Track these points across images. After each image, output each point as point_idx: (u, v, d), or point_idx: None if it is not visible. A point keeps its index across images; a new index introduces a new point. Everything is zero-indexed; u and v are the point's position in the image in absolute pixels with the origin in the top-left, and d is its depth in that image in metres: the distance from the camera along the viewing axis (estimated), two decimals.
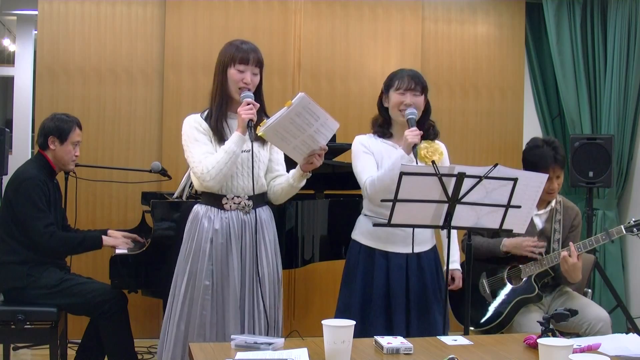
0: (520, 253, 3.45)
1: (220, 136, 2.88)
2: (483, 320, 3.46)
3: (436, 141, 3.14)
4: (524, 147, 3.68)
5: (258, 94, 2.94)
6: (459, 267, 3.23)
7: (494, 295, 3.48)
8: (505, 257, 3.52)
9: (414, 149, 2.89)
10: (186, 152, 2.93)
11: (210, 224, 2.90)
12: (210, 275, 2.88)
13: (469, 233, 2.92)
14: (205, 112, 2.96)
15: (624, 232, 3.33)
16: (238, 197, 2.91)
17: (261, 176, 2.98)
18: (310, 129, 2.70)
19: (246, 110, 2.76)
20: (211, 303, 2.87)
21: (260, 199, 2.99)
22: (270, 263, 2.97)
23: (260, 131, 2.69)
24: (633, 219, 3.36)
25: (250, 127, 2.75)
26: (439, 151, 3.07)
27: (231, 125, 2.92)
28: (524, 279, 3.46)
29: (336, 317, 3.14)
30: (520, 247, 3.44)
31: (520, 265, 3.48)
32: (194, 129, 2.91)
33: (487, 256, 3.52)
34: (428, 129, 3.14)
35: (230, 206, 2.91)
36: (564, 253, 3.31)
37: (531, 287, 3.45)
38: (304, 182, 2.93)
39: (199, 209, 2.98)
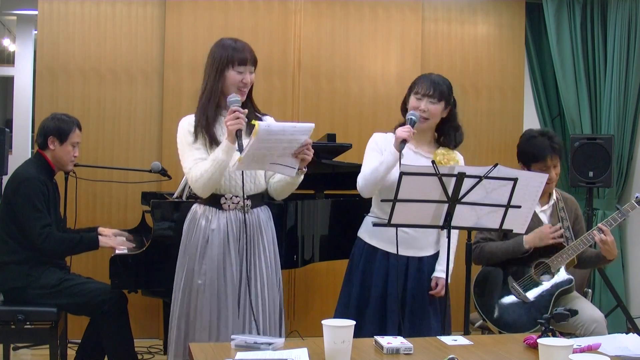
0: (544, 244, 3.45)
1: (211, 135, 2.85)
2: (532, 322, 3.39)
3: (455, 151, 3.15)
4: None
5: (249, 93, 2.94)
6: (444, 276, 3.14)
7: (531, 296, 3.46)
8: (523, 257, 3.52)
9: (402, 143, 2.87)
10: (180, 155, 2.93)
11: (207, 224, 2.90)
12: (203, 274, 2.88)
13: (469, 234, 2.92)
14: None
15: (637, 206, 3.45)
16: (237, 196, 2.91)
17: (260, 175, 2.98)
18: (281, 143, 2.68)
19: (233, 122, 2.70)
20: (210, 302, 2.87)
21: (258, 198, 2.99)
22: (268, 264, 2.96)
23: (236, 168, 2.74)
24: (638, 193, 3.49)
25: (240, 136, 2.70)
26: (455, 159, 3.11)
27: (222, 125, 2.88)
28: (556, 272, 3.48)
29: (335, 314, 3.15)
30: (545, 238, 3.44)
31: (546, 261, 3.49)
32: (187, 132, 2.89)
33: (506, 258, 3.52)
34: (448, 136, 3.14)
35: (229, 206, 2.91)
36: (600, 237, 3.37)
37: (567, 278, 3.48)
38: (300, 179, 2.91)
39: (197, 208, 2.98)
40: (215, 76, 2.89)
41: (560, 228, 3.48)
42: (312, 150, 2.77)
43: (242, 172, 2.87)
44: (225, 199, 2.91)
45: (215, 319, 2.87)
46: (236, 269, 2.88)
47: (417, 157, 3.10)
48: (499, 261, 3.53)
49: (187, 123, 2.92)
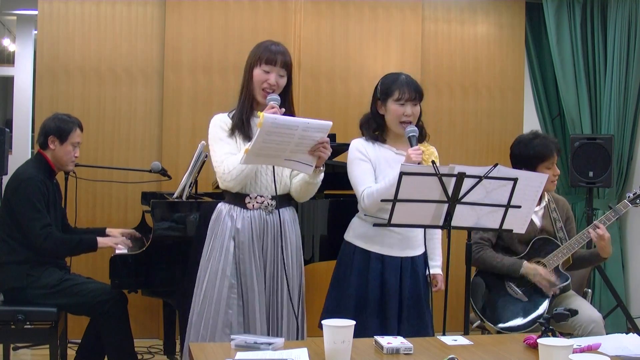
0: (534, 280, 3.45)
1: (245, 134, 2.86)
2: (529, 320, 3.44)
3: (427, 144, 3.16)
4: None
5: (285, 97, 2.91)
6: (441, 272, 3.22)
7: (527, 294, 3.48)
8: (520, 257, 3.55)
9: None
10: (210, 151, 2.93)
11: (233, 223, 2.89)
12: (235, 274, 2.88)
13: (469, 234, 2.92)
14: (233, 111, 2.96)
15: (630, 205, 3.50)
16: (261, 196, 2.90)
17: (286, 176, 2.97)
18: (292, 139, 2.65)
19: None
20: (237, 302, 2.86)
21: (284, 199, 2.98)
22: (291, 265, 2.96)
23: (242, 160, 2.70)
24: (632, 192, 3.53)
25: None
26: (434, 155, 3.13)
27: (257, 124, 2.91)
28: (551, 271, 3.49)
29: (324, 318, 3.13)
30: (539, 278, 3.43)
31: (542, 260, 3.51)
32: (218, 127, 2.90)
33: (498, 272, 3.53)
34: (420, 132, 3.12)
35: (253, 205, 2.90)
36: (597, 232, 3.40)
37: (563, 276, 3.51)
38: (320, 177, 2.90)
39: (222, 207, 2.97)
40: (247, 75, 2.92)
41: (558, 288, 3.46)
42: (330, 149, 2.76)
43: (274, 171, 2.86)
44: (250, 198, 2.90)
45: (246, 319, 2.86)
46: (260, 268, 2.88)
47: (401, 158, 3.06)
48: (491, 271, 3.55)
49: (218, 120, 2.94)
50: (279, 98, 2.83)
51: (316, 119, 2.69)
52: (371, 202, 2.99)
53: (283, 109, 2.79)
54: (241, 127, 2.87)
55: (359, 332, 2.81)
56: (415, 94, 3.06)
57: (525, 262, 3.49)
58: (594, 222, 3.49)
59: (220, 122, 2.92)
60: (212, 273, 2.90)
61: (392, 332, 2.97)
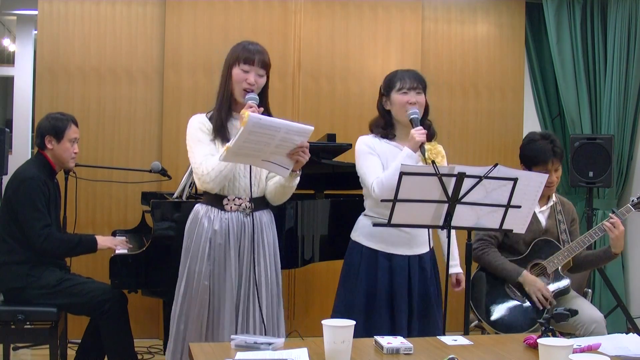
0: (528, 292, 3.46)
1: (223, 136, 2.85)
2: (527, 321, 3.44)
3: (436, 143, 3.15)
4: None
5: (263, 97, 2.91)
6: (461, 270, 3.24)
7: (527, 296, 3.48)
8: (520, 258, 3.55)
9: (421, 147, 2.89)
10: (189, 152, 2.92)
11: (210, 224, 2.89)
12: (208, 275, 2.87)
13: (469, 234, 2.92)
14: (211, 112, 2.94)
15: (633, 210, 3.51)
16: (239, 198, 2.89)
17: (263, 178, 2.96)
18: (273, 140, 2.63)
19: None
20: (209, 303, 2.87)
21: (261, 201, 2.98)
22: (268, 267, 2.95)
23: (221, 157, 2.70)
24: (637, 196, 3.54)
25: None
26: (442, 154, 3.13)
27: (235, 126, 2.89)
28: (551, 273, 3.50)
29: (334, 318, 3.13)
30: (535, 289, 3.44)
31: (543, 262, 3.52)
32: (197, 129, 2.89)
33: (498, 275, 3.54)
34: (428, 129, 3.10)
35: (231, 207, 2.90)
36: (610, 222, 3.44)
37: (563, 279, 3.51)
38: (295, 181, 2.89)
39: (199, 208, 2.96)
40: (226, 75, 2.91)
41: (551, 304, 3.46)
42: (308, 154, 2.75)
43: (250, 173, 2.85)
44: (228, 200, 2.89)
45: (216, 320, 2.86)
46: (235, 271, 2.88)
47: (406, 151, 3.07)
48: (491, 271, 3.56)
49: (197, 121, 2.92)
50: (258, 98, 2.83)
51: (298, 123, 2.68)
52: (381, 190, 2.97)
53: (262, 109, 2.78)
54: (220, 129, 2.86)
55: (369, 332, 2.83)
56: (417, 82, 3.09)
57: (525, 271, 3.48)
58: (606, 220, 3.50)
59: (199, 124, 2.90)
60: (189, 274, 2.90)
61: (402, 331, 2.98)
